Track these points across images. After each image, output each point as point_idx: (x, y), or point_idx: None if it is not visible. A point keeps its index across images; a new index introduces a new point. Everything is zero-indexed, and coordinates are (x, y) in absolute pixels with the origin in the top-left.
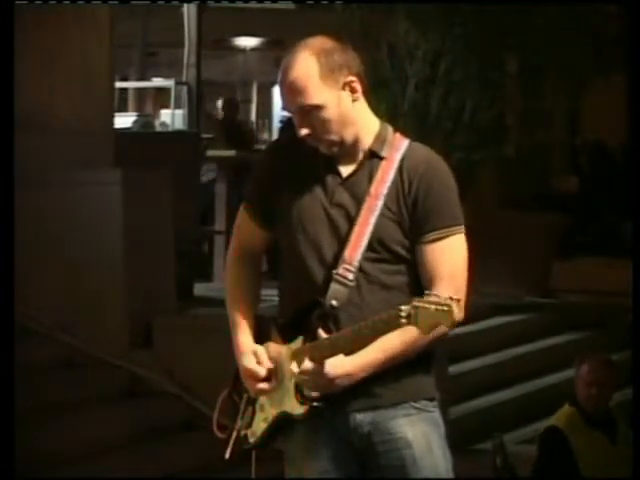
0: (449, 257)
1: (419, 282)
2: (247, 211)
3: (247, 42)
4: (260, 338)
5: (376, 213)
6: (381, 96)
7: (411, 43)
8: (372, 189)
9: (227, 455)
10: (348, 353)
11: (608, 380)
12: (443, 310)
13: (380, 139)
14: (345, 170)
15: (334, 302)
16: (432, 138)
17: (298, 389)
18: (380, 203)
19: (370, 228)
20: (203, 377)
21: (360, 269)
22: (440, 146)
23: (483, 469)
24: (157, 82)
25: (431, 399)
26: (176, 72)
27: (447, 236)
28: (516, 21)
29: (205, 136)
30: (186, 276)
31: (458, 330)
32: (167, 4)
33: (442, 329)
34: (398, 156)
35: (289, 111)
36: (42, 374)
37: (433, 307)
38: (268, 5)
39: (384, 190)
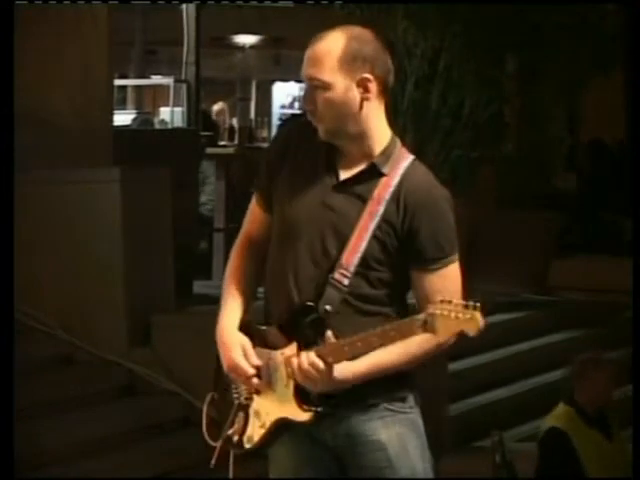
0: (448, 285)
1: (401, 312)
2: (255, 193)
3: (246, 40)
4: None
5: (376, 221)
6: None
7: (410, 41)
8: (375, 194)
9: (213, 461)
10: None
11: (608, 379)
12: (466, 317)
13: (386, 153)
14: (343, 173)
15: (328, 307)
16: (431, 136)
17: (298, 394)
18: (380, 213)
19: (369, 235)
20: (202, 375)
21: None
22: (439, 144)
23: (482, 466)
24: (156, 80)
25: (403, 399)
26: (175, 70)
27: (446, 265)
28: (515, 19)
29: (204, 134)
30: (185, 274)
31: None
32: (166, 3)
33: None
34: (398, 175)
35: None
36: (41, 372)
37: (453, 314)
38: (267, 4)
39: (382, 205)
